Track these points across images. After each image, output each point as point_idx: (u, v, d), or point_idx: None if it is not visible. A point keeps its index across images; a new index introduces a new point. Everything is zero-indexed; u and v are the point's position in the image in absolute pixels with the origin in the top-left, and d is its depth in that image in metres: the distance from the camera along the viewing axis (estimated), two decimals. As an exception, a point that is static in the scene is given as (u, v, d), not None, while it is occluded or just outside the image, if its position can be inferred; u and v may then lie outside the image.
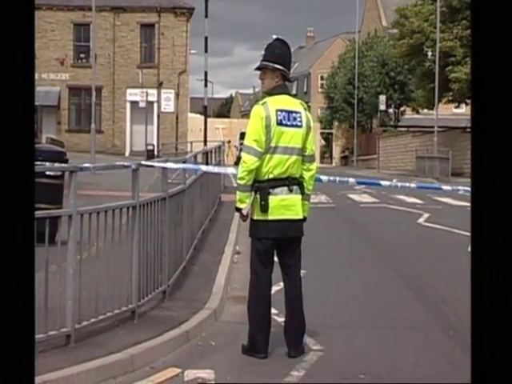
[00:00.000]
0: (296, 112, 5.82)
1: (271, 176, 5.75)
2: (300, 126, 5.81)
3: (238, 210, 5.83)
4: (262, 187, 5.74)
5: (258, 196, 5.75)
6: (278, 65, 5.86)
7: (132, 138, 46.71)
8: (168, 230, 7.38)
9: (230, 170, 7.44)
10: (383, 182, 7.40)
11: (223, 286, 8.03)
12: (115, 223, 6.17)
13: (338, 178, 7.17)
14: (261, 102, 5.86)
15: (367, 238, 13.28)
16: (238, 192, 5.81)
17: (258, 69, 6.00)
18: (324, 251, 11.42)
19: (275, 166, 5.75)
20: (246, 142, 5.79)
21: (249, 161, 5.69)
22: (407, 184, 7.65)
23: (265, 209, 5.73)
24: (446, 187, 7.94)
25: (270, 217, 5.75)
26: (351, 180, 7.13)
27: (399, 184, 7.42)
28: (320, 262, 10.23)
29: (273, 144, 5.72)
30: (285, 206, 5.78)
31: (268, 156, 5.73)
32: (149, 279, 6.79)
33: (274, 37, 6.02)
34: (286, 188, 5.79)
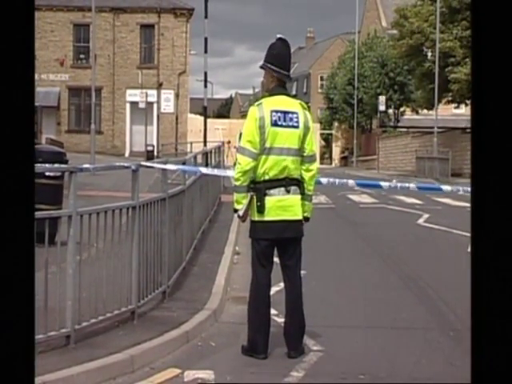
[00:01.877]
0: (293, 112, 5.81)
1: (267, 177, 5.74)
2: (297, 127, 5.79)
3: (236, 211, 5.84)
4: (258, 188, 5.74)
5: (254, 197, 5.75)
6: (272, 65, 5.86)
7: (132, 138, 46.69)
8: (168, 230, 7.38)
9: (230, 173, 7.45)
10: (383, 183, 7.39)
11: (223, 287, 8.03)
12: (115, 224, 6.17)
13: (337, 180, 7.16)
14: (256, 103, 5.86)
15: (367, 239, 13.27)
16: (234, 193, 5.83)
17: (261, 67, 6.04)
18: (324, 252, 11.41)
19: (271, 167, 5.74)
20: (240, 143, 5.80)
21: (243, 162, 5.69)
22: (406, 184, 7.65)
23: (261, 210, 5.73)
24: (445, 187, 7.92)
25: (267, 218, 5.75)
26: (350, 182, 7.11)
27: (399, 185, 7.41)
28: (320, 263, 10.23)
29: (268, 145, 5.71)
30: (282, 206, 5.77)
31: (263, 157, 5.72)
32: (148, 280, 6.79)
33: (278, 36, 5.99)
34: (282, 189, 5.78)
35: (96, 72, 32.94)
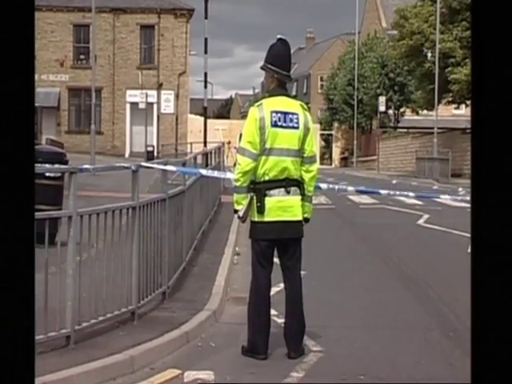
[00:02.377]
0: (293, 113, 5.80)
1: (267, 178, 5.74)
2: (297, 128, 5.79)
3: (236, 211, 5.85)
4: (258, 189, 5.74)
5: (254, 197, 5.75)
6: (272, 66, 5.87)
7: (132, 139, 46.70)
8: (168, 231, 7.38)
9: (229, 175, 7.48)
10: (382, 191, 7.42)
11: (223, 287, 8.03)
12: (115, 224, 6.17)
13: (337, 187, 7.17)
14: (256, 104, 5.86)
15: (367, 239, 13.27)
16: (234, 194, 5.83)
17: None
18: (324, 252, 11.41)
19: (271, 167, 5.74)
20: (240, 143, 5.80)
21: (243, 162, 5.69)
22: (405, 193, 7.68)
23: (261, 210, 5.73)
24: (444, 196, 7.95)
25: (267, 218, 5.75)
26: (350, 189, 7.14)
27: (397, 193, 7.44)
28: (320, 263, 10.23)
29: (268, 145, 5.71)
30: (282, 207, 5.77)
31: (264, 158, 5.72)
32: (148, 280, 6.79)
33: (278, 36, 5.99)
34: (282, 189, 5.78)
35: (96, 72, 32.94)
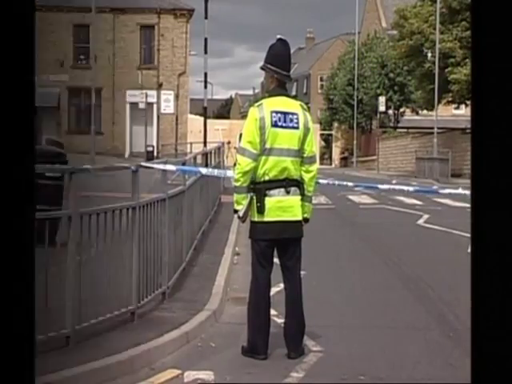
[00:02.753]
0: (293, 113, 5.81)
1: (267, 178, 5.75)
2: (297, 128, 5.80)
3: (236, 211, 5.85)
4: (258, 189, 5.75)
5: (254, 197, 5.75)
6: (272, 66, 5.87)
7: (132, 139, 46.67)
8: (168, 231, 7.38)
9: (230, 173, 7.48)
10: (381, 186, 7.41)
11: (223, 287, 8.03)
12: (115, 224, 6.17)
13: (337, 182, 7.16)
14: (256, 104, 5.87)
15: (367, 239, 13.27)
16: (234, 194, 5.84)
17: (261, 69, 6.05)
18: (324, 252, 11.41)
19: (271, 167, 5.74)
20: (240, 143, 5.81)
21: (243, 162, 5.70)
22: (404, 188, 7.68)
23: (261, 210, 5.74)
24: (443, 191, 7.93)
25: (267, 218, 5.75)
26: (350, 184, 7.14)
27: (396, 187, 7.43)
28: (320, 263, 10.23)
29: (268, 145, 5.72)
30: (281, 207, 5.78)
31: (264, 158, 5.73)
32: (148, 280, 6.79)
33: (278, 37, 6.00)
34: (282, 189, 5.79)
35: (96, 73, 32.92)
